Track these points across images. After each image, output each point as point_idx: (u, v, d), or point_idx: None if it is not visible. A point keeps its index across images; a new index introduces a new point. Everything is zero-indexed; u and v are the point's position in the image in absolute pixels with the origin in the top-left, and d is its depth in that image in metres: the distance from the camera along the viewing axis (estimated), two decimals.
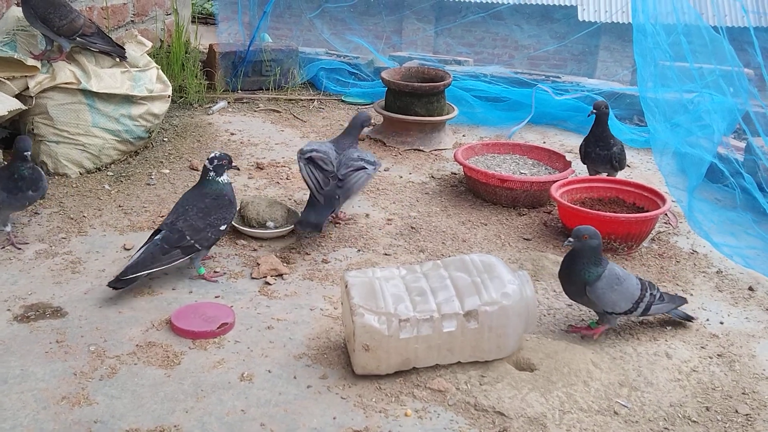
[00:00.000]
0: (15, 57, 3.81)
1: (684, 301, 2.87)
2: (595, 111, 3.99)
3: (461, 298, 2.47)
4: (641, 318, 2.84)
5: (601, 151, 3.97)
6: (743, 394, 2.50)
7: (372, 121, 3.79)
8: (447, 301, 2.46)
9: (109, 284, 2.87)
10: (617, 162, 3.99)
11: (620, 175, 4.08)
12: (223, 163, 3.10)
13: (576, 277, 2.68)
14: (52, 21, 3.83)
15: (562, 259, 3.27)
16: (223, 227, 3.07)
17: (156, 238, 2.97)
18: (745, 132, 4.13)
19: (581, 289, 2.68)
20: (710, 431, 2.31)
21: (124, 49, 4.19)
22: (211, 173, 3.09)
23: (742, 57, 3.47)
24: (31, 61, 3.84)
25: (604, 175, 4.00)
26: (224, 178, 3.12)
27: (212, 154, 3.10)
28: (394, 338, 2.38)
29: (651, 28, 3.64)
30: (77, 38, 3.94)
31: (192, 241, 2.97)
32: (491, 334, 2.46)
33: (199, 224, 3.00)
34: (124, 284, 2.86)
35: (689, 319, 2.89)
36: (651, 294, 2.73)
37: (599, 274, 2.64)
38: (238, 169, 3.31)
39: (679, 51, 3.62)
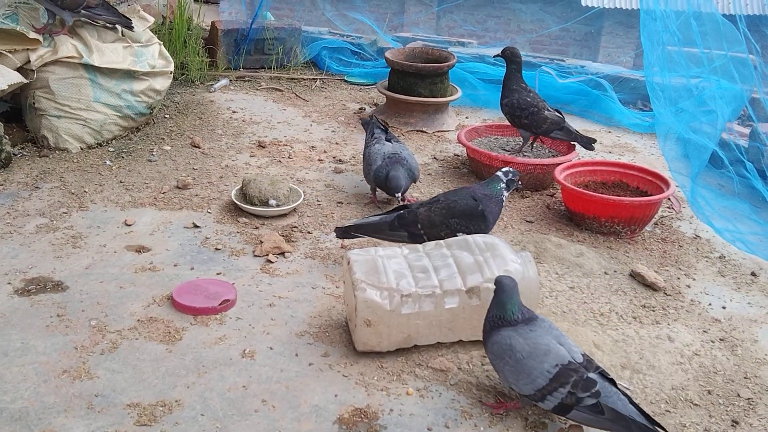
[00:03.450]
0: (17, 30, 3.77)
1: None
2: (499, 55, 4.05)
3: (463, 275, 2.46)
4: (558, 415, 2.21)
5: (501, 101, 4.02)
6: (745, 378, 2.49)
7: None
8: (449, 278, 2.45)
9: (336, 229, 3.02)
10: (509, 115, 3.99)
11: (624, 159, 4.05)
12: (515, 180, 2.97)
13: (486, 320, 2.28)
14: None
15: (565, 242, 3.27)
16: (460, 234, 2.84)
17: (396, 212, 2.97)
18: (750, 118, 4.11)
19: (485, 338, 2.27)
20: (712, 414, 2.31)
21: (131, 20, 4.15)
22: (502, 184, 2.95)
23: (758, 40, 3.43)
24: (33, 35, 3.81)
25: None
26: (506, 194, 2.97)
27: (508, 170, 2.98)
28: (395, 313, 2.38)
29: (660, 11, 3.60)
30: (82, 11, 3.90)
31: (422, 232, 2.90)
32: None
33: (436, 219, 2.90)
34: (346, 235, 2.99)
35: None
36: (571, 393, 2.08)
37: (498, 319, 2.21)
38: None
39: (688, 34, 3.59)
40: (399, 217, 2.94)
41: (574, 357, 2.14)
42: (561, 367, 2.10)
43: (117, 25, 4.12)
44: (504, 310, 2.21)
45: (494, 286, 2.25)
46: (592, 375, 2.11)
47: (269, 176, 3.56)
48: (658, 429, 2.06)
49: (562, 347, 2.16)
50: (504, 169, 2.98)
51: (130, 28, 4.13)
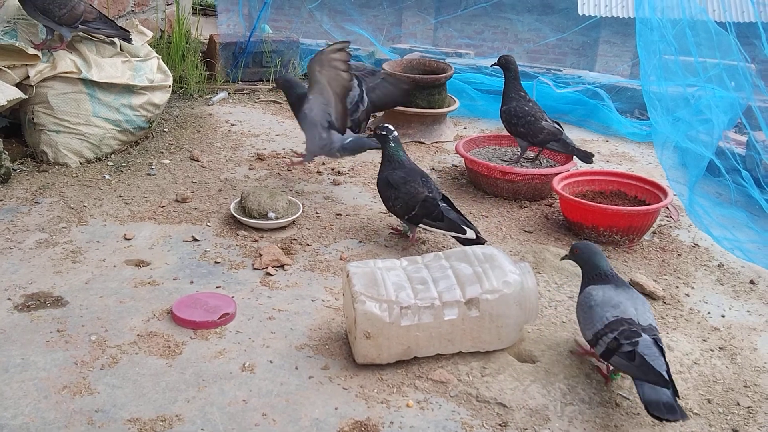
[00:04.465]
0: (16, 45, 3.79)
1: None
2: (496, 64, 4.08)
3: (462, 286, 2.46)
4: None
5: (500, 108, 4.04)
6: (745, 386, 2.50)
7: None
8: (448, 290, 2.45)
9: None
10: (506, 123, 4.01)
11: (622, 169, 4.06)
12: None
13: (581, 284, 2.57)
14: (53, 11, 3.81)
15: (563, 252, 3.27)
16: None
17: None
18: (746, 127, 4.13)
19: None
20: (712, 423, 2.31)
21: (129, 32, 4.16)
22: (391, 144, 3.36)
23: (748, 51, 3.46)
24: (32, 50, 3.83)
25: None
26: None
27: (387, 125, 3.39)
28: (395, 325, 2.38)
29: (657, 20, 3.63)
30: (79, 25, 3.92)
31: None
32: (492, 324, 2.46)
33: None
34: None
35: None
36: (615, 339, 2.27)
37: (595, 276, 2.49)
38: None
39: (684, 44, 3.60)
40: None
41: (638, 318, 2.30)
42: (618, 318, 2.30)
43: (115, 38, 4.14)
44: (598, 267, 2.48)
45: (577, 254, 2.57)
46: (643, 335, 2.25)
47: (268, 189, 3.57)
48: (670, 387, 2.17)
49: (632, 309, 2.34)
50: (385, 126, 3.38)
51: (128, 40, 4.15)
